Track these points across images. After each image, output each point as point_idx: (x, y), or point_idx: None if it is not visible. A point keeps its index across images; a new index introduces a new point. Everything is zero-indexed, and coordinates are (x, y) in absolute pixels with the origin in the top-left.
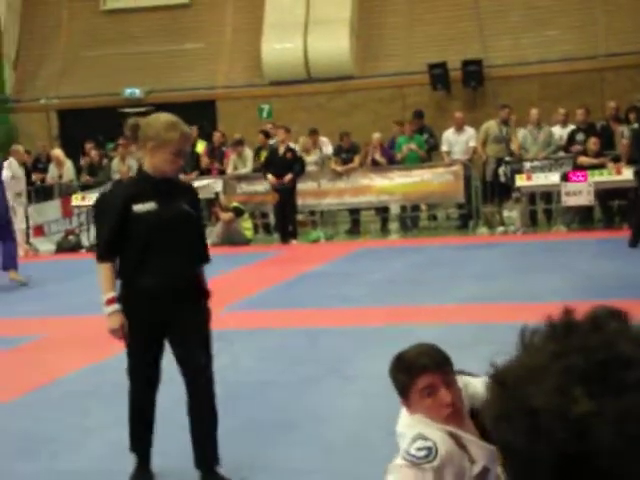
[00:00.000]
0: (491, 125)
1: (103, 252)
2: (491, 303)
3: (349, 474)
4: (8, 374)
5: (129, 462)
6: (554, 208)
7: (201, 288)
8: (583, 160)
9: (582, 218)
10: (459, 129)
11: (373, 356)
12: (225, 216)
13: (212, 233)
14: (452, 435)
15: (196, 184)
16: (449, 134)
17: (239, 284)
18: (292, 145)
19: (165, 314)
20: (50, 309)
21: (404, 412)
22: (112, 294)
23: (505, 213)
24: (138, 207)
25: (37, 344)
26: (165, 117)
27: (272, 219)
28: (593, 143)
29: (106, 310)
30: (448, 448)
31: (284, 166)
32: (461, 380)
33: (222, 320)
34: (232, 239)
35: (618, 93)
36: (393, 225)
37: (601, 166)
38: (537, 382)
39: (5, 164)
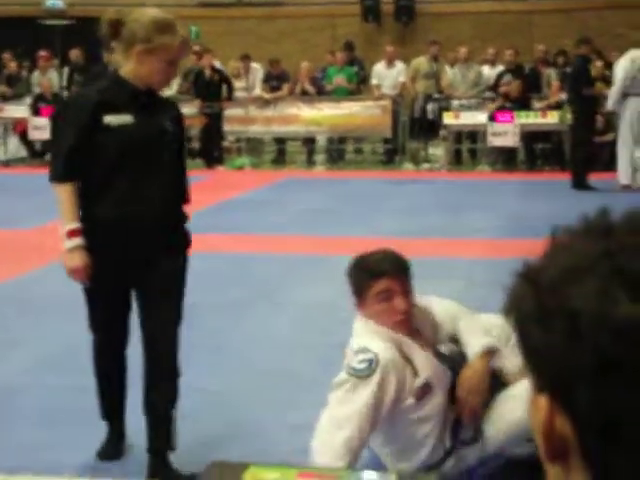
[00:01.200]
0: (421, 61)
1: (63, 170)
2: (416, 237)
3: (278, 399)
4: None
5: (54, 376)
6: (479, 148)
7: (183, 233)
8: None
9: (505, 159)
10: (390, 63)
11: (301, 283)
12: None
13: None
14: (397, 344)
15: None
16: (379, 68)
17: None
18: (219, 66)
19: (132, 262)
20: None
21: (357, 320)
22: (75, 225)
23: (430, 150)
24: (110, 118)
25: None
26: (160, 16)
27: (196, 144)
28: (517, 86)
29: (67, 244)
30: (390, 357)
31: (212, 89)
32: (424, 300)
33: None
34: None
35: (547, 37)
36: (319, 157)
37: (526, 107)
38: (577, 283)
39: None
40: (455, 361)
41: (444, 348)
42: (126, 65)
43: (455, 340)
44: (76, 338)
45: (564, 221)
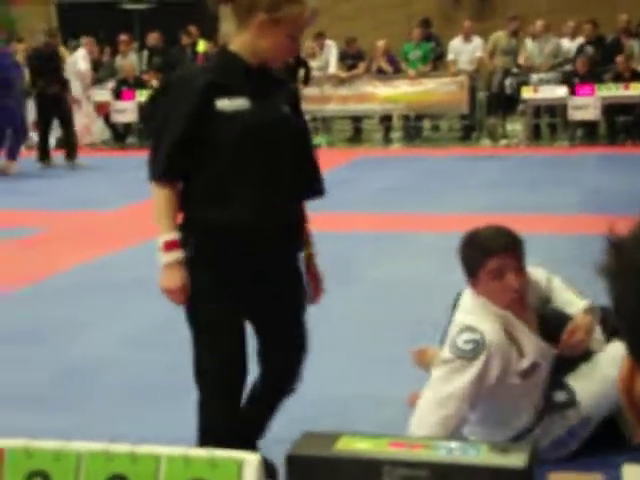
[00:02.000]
0: (500, 36)
1: (165, 167)
2: (495, 214)
3: (358, 375)
4: (8, 266)
5: (139, 353)
6: (558, 122)
7: (302, 235)
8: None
9: (586, 133)
10: (467, 39)
11: (377, 262)
12: None
13: None
14: (505, 325)
15: None
16: (456, 43)
17: None
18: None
19: (257, 273)
20: (49, 203)
21: (467, 295)
22: (174, 235)
23: (509, 126)
24: (224, 103)
25: (36, 238)
26: None
27: None
28: (582, 63)
29: (164, 259)
30: (497, 340)
31: (289, 71)
32: (533, 273)
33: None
34: None
35: (630, 7)
36: (395, 134)
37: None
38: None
39: (81, 54)
40: (560, 321)
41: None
42: (239, 37)
43: (548, 300)
44: (160, 316)
45: None
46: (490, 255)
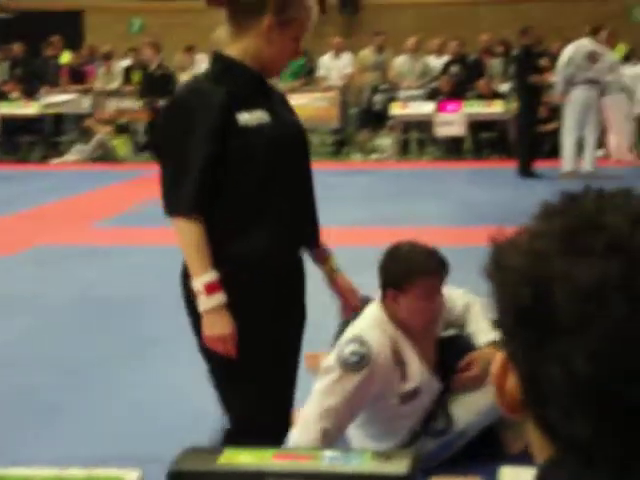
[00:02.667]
0: (367, 53)
1: (196, 200)
2: (369, 226)
3: None
4: None
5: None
6: (426, 137)
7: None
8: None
9: (452, 148)
10: (336, 55)
11: None
12: (104, 129)
13: (82, 150)
14: (395, 346)
15: (62, 98)
16: (326, 59)
17: (114, 200)
18: (164, 63)
19: (297, 306)
20: None
21: (373, 305)
22: (214, 275)
23: (378, 141)
24: (245, 117)
25: None
26: None
27: (141, 137)
28: (446, 82)
29: (206, 304)
30: (382, 358)
31: (157, 85)
32: (451, 295)
33: (95, 234)
34: (104, 156)
35: (491, 27)
36: None
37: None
38: (515, 245)
39: None
40: (463, 349)
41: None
42: (239, 43)
43: (460, 325)
44: (20, 333)
45: (512, 207)
46: (424, 274)
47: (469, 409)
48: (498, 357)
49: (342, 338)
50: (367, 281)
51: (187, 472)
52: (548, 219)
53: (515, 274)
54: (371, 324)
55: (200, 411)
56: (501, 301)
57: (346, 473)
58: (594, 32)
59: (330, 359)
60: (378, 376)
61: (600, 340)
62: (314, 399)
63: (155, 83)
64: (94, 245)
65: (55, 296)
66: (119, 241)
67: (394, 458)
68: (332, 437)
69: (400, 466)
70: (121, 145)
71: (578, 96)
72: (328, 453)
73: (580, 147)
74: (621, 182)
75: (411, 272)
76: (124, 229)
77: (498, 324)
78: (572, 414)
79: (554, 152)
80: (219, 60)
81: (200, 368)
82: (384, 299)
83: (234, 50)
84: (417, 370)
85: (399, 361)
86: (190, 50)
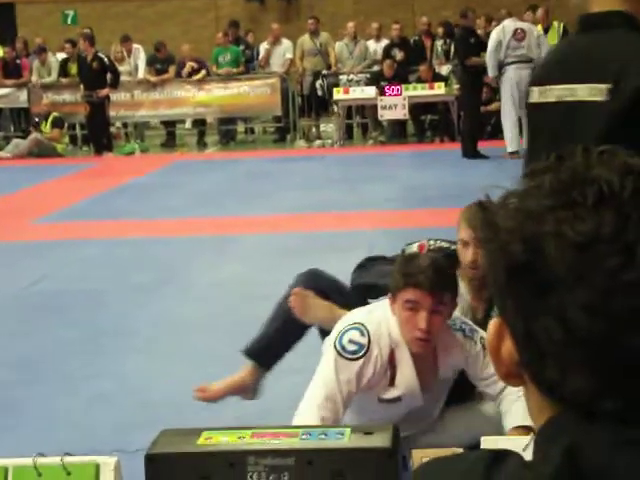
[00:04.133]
0: (305, 39)
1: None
2: (315, 212)
3: (187, 378)
4: None
5: None
6: (369, 122)
7: None
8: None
9: (396, 132)
10: (275, 41)
11: (206, 265)
12: (53, 134)
13: (19, 144)
14: (393, 350)
15: None
16: (266, 47)
17: (52, 196)
18: (101, 54)
19: None
20: None
21: (384, 301)
22: None
23: (322, 127)
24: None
25: None
26: None
27: (79, 131)
28: (387, 66)
29: None
30: (377, 355)
31: (94, 76)
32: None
33: (34, 230)
34: (42, 151)
35: (428, 10)
36: (210, 139)
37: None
38: (504, 205)
39: None
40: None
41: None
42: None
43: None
44: None
45: (459, 188)
46: (411, 286)
47: (459, 425)
48: (493, 323)
49: (346, 318)
50: (318, 265)
51: (165, 454)
52: (536, 177)
53: (507, 232)
54: (378, 319)
55: (158, 401)
56: (494, 261)
57: (329, 448)
58: (531, 10)
59: (328, 343)
60: (368, 370)
61: (595, 291)
62: (312, 388)
63: (92, 75)
64: (36, 241)
65: (4, 292)
66: (61, 236)
67: (375, 432)
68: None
69: (383, 440)
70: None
71: (511, 76)
72: (309, 430)
73: (521, 127)
74: None
75: (402, 280)
76: (64, 224)
77: (491, 285)
78: (570, 369)
79: (497, 132)
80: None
81: (157, 358)
82: (389, 299)
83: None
84: (407, 380)
85: (392, 365)
86: (126, 40)
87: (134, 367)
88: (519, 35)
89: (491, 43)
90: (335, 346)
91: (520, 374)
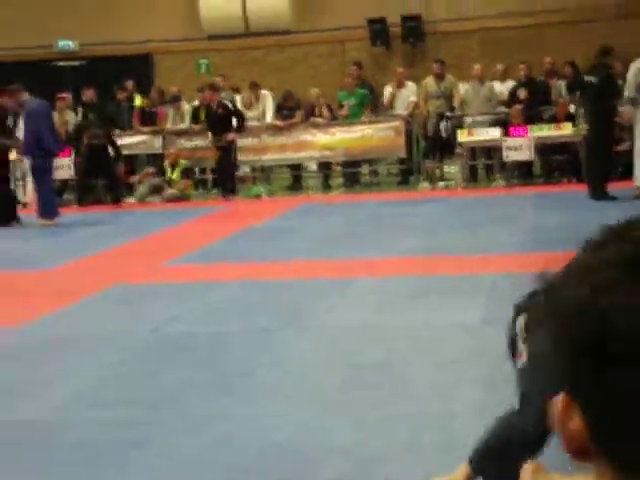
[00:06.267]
0: (429, 81)
1: None
2: (438, 255)
3: (310, 422)
4: None
5: (89, 413)
6: (494, 163)
7: None
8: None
9: (522, 173)
10: (400, 84)
11: (327, 308)
12: (181, 184)
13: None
14: None
15: (135, 139)
16: (391, 89)
17: (180, 239)
18: (225, 101)
19: None
20: None
21: None
22: None
23: (446, 168)
24: None
25: None
26: None
27: (209, 175)
28: (516, 111)
29: None
30: None
31: (220, 122)
32: None
33: (164, 272)
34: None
35: (556, 49)
36: (335, 181)
37: (539, 119)
38: (571, 277)
39: None
40: None
41: None
42: None
43: None
44: (106, 371)
45: (584, 231)
46: None
47: None
48: (558, 400)
49: None
50: (438, 308)
51: None
52: (603, 248)
53: (575, 306)
54: None
55: (285, 444)
56: (562, 338)
57: None
58: None
59: None
60: None
61: None
62: None
63: (218, 120)
64: (166, 282)
65: (136, 333)
66: (190, 278)
67: None
68: None
69: None
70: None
71: None
72: None
73: None
74: None
75: None
76: (193, 266)
77: (559, 360)
78: None
79: (627, 173)
80: None
81: (282, 401)
82: None
83: None
84: None
85: None
86: (254, 86)
87: (252, 408)
88: None
89: (630, 79)
90: None
91: (590, 450)
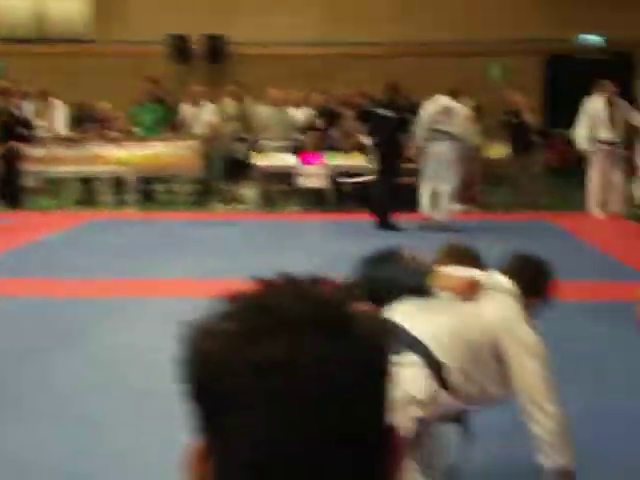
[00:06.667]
0: (227, 102)
1: None
2: (229, 278)
3: (75, 445)
4: None
5: None
6: (289, 189)
7: None
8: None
9: (315, 200)
10: (198, 103)
11: (112, 328)
12: None
13: None
14: None
15: None
16: (188, 108)
17: None
18: (12, 108)
19: None
20: None
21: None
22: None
23: (241, 191)
24: None
25: None
26: None
27: None
28: (311, 137)
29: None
30: None
31: (6, 130)
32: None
33: None
34: None
35: (353, 81)
36: (129, 197)
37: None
38: (212, 322)
39: None
40: None
41: None
42: None
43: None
44: None
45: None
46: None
47: None
48: (194, 444)
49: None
50: None
51: None
52: (237, 302)
53: (201, 354)
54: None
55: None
56: (191, 381)
57: None
58: (452, 94)
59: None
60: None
61: (277, 410)
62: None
63: (8, 128)
64: None
65: None
66: None
67: None
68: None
69: None
70: None
71: (435, 151)
72: None
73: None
74: (468, 234)
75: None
76: None
77: (193, 405)
78: None
79: (412, 204)
80: None
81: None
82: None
83: None
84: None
85: None
86: (44, 94)
87: (13, 436)
88: (448, 112)
89: (423, 114)
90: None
91: None
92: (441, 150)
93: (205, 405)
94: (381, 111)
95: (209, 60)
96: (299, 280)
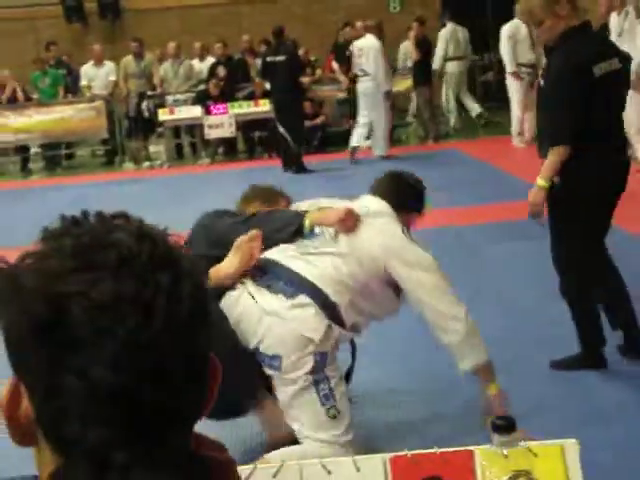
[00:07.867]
0: (128, 60)
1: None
2: None
3: None
4: None
5: None
6: (198, 141)
7: None
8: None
9: (225, 150)
10: (98, 63)
11: None
12: None
13: None
14: None
15: None
16: (88, 68)
17: None
18: None
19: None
20: None
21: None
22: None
23: (151, 148)
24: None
25: None
26: None
27: None
28: (214, 85)
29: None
30: None
31: None
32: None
33: None
34: None
35: (253, 26)
36: (35, 165)
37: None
38: (24, 265)
39: None
40: None
41: None
42: None
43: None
44: None
45: None
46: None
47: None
48: (8, 384)
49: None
50: None
51: None
52: (55, 239)
53: (29, 292)
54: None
55: None
56: (14, 320)
57: None
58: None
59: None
60: None
61: (117, 349)
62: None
63: None
64: None
65: None
66: None
67: None
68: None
69: None
70: None
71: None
72: None
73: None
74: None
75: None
76: None
77: (10, 344)
78: (91, 423)
79: (322, 146)
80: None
81: None
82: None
83: None
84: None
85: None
86: None
87: None
88: (359, 52)
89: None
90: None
91: (35, 433)
92: (363, 87)
93: (41, 345)
94: (270, 58)
95: (105, 17)
96: (112, 215)
